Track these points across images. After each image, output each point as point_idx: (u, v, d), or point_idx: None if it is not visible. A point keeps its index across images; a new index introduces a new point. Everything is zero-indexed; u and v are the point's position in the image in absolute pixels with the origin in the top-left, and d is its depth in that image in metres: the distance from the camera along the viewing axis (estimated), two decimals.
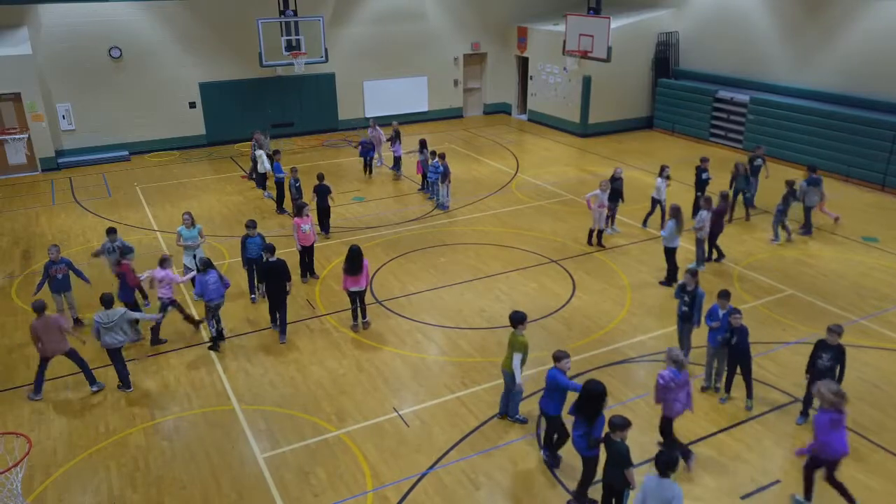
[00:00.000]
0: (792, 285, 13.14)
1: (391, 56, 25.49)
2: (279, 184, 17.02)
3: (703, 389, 10.03)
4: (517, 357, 8.73)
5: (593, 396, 7.47)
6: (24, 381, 10.42)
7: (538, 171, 20.47)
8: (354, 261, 11.26)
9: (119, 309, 9.97)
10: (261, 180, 18.49)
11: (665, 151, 22.27)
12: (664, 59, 24.54)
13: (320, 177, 15.59)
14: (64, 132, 21.49)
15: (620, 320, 11.97)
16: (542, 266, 14.15)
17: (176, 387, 10.29)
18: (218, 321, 11.23)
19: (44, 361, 9.92)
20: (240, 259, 13.19)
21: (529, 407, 9.45)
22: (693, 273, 10.14)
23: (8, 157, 20.30)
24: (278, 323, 11.54)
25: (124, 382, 10.17)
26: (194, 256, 12.26)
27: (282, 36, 21.35)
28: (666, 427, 8.40)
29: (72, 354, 9.97)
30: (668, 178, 15.49)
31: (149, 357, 11.04)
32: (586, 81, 23.75)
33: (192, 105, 23.08)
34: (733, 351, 9.40)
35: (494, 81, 28.01)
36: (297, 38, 21.55)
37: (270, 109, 23.99)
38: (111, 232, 12.28)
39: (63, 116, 21.36)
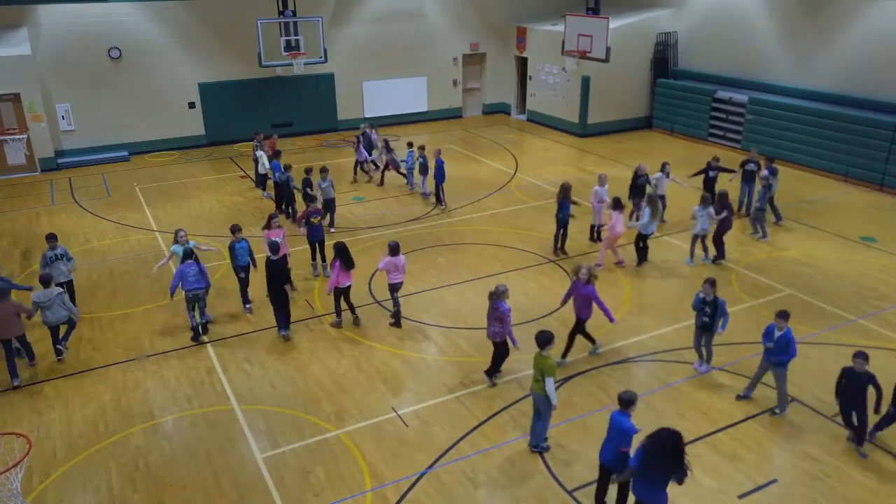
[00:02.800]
0: (790, 285, 13.17)
1: (390, 56, 25.51)
2: (278, 184, 17.00)
3: (739, 398, 9.75)
4: (550, 381, 8.27)
5: (669, 448, 6.51)
6: (24, 381, 10.44)
7: (537, 171, 20.49)
8: (347, 256, 11.43)
9: (56, 288, 10.62)
10: (261, 180, 18.50)
11: (664, 151, 22.27)
12: (663, 60, 24.57)
13: (307, 171, 16.01)
14: (63, 132, 21.50)
15: (619, 320, 11.96)
16: (542, 266, 14.18)
17: (176, 387, 10.31)
18: (202, 312, 11.46)
19: (4, 344, 10.27)
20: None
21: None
22: (712, 283, 9.91)
23: (7, 158, 20.30)
24: (283, 319, 11.51)
25: (57, 352, 10.84)
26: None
27: (281, 36, 21.36)
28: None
29: (22, 339, 10.49)
30: (668, 174, 15.60)
31: (148, 357, 11.06)
32: (585, 81, 23.77)
33: (192, 105, 23.09)
34: (849, 393, 8.67)
35: (494, 81, 28.03)
36: (297, 38, 21.57)
37: (271, 109, 24.01)
38: (51, 238, 11.75)
39: (62, 117, 21.37)
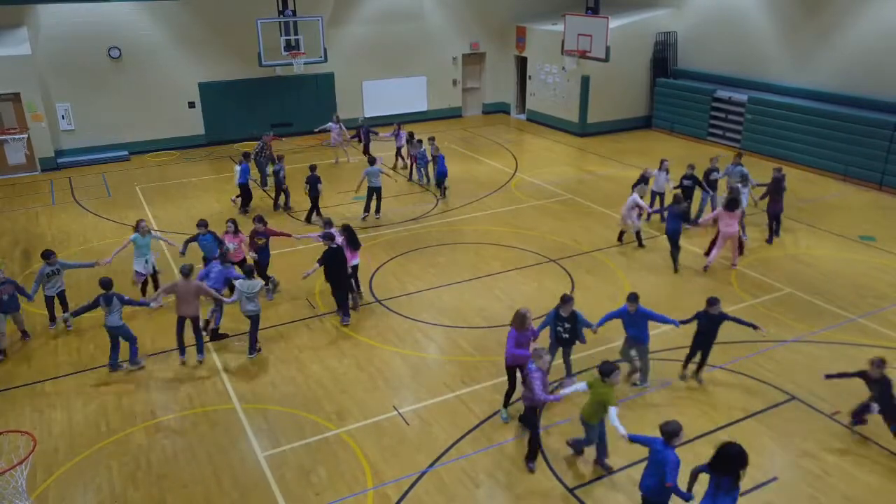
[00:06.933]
0: (790, 284, 13.20)
1: (390, 56, 25.53)
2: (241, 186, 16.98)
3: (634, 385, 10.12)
4: (613, 410, 7.80)
5: (734, 459, 6.62)
6: (26, 381, 10.47)
7: (537, 171, 20.52)
8: (353, 236, 12.29)
9: (258, 281, 10.98)
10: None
11: (663, 151, 22.26)
12: (662, 59, 24.60)
13: (312, 168, 16.37)
14: (63, 132, 21.51)
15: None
16: (542, 265, 14.20)
17: (177, 386, 10.33)
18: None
19: (179, 322, 10.73)
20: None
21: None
22: (566, 300, 9.56)
23: (8, 158, 20.31)
24: (338, 306, 12.05)
25: (252, 348, 11.07)
26: (146, 261, 12.44)
27: (281, 36, 21.41)
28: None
29: (195, 322, 10.74)
30: (667, 171, 15.72)
31: (149, 356, 11.07)
32: (585, 81, 23.80)
33: (192, 105, 23.11)
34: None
35: (493, 81, 28.06)
36: (297, 37, 21.61)
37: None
38: (48, 255, 11.56)
39: (62, 116, 21.38)
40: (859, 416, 8.98)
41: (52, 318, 11.92)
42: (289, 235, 13.25)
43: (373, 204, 16.61)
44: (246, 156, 17.33)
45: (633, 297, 9.60)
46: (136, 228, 12.39)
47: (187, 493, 8.24)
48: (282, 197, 17.38)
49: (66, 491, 8.29)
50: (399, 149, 20.55)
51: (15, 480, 7.58)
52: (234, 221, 12.80)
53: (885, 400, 8.59)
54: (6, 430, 9.03)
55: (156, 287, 12.70)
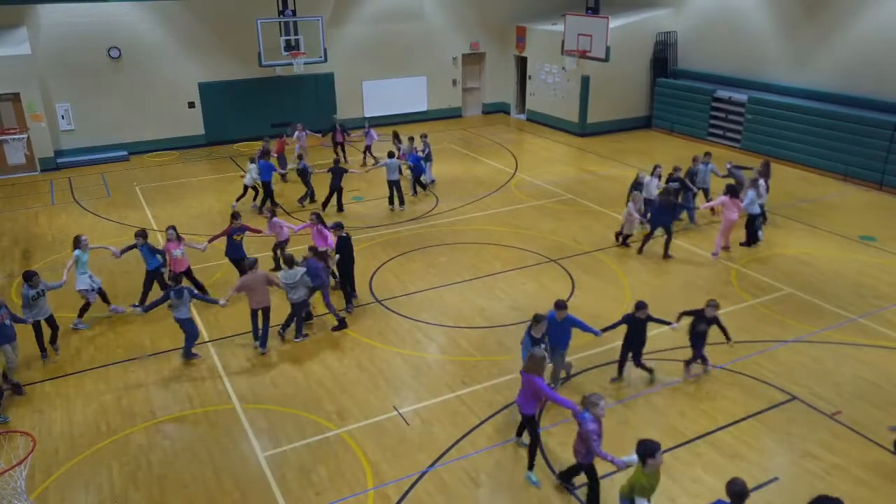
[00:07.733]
0: (790, 284, 13.20)
1: (390, 56, 25.53)
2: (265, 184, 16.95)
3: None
4: (641, 502, 6.74)
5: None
6: (26, 381, 10.45)
7: (537, 171, 20.52)
8: (322, 221, 12.93)
9: (299, 269, 11.15)
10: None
11: (663, 151, 22.32)
12: (663, 59, 24.60)
13: (336, 160, 17.03)
14: (63, 132, 21.50)
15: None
16: (542, 265, 14.20)
17: (177, 386, 10.33)
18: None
19: (253, 314, 11.14)
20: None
21: None
22: (539, 319, 9.17)
23: (7, 158, 20.30)
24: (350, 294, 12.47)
25: (299, 332, 11.53)
26: (90, 277, 11.78)
27: (281, 36, 21.39)
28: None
29: (266, 312, 11.08)
30: (659, 177, 15.72)
31: (149, 356, 11.07)
32: (585, 81, 23.80)
33: (191, 105, 23.10)
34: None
35: (493, 81, 28.05)
36: (297, 37, 21.60)
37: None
38: (31, 276, 10.66)
39: (62, 116, 21.37)
40: (704, 359, 10.24)
41: (43, 349, 10.96)
42: (260, 232, 13.48)
43: (391, 198, 17.46)
44: (264, 153, 17.40)
45: (561, 305, 9.50)
46: (78, 245, 11.58)
47: (188, 493, 8.24)
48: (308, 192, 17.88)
49: (66, 491, 8.28)
50: (368, 147, 20.61)
51: (14, 481, 7.58)
52: (173, 228, 12.26)
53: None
54: (6, 430, 9.02)
55: (106, 301, 12.19)
